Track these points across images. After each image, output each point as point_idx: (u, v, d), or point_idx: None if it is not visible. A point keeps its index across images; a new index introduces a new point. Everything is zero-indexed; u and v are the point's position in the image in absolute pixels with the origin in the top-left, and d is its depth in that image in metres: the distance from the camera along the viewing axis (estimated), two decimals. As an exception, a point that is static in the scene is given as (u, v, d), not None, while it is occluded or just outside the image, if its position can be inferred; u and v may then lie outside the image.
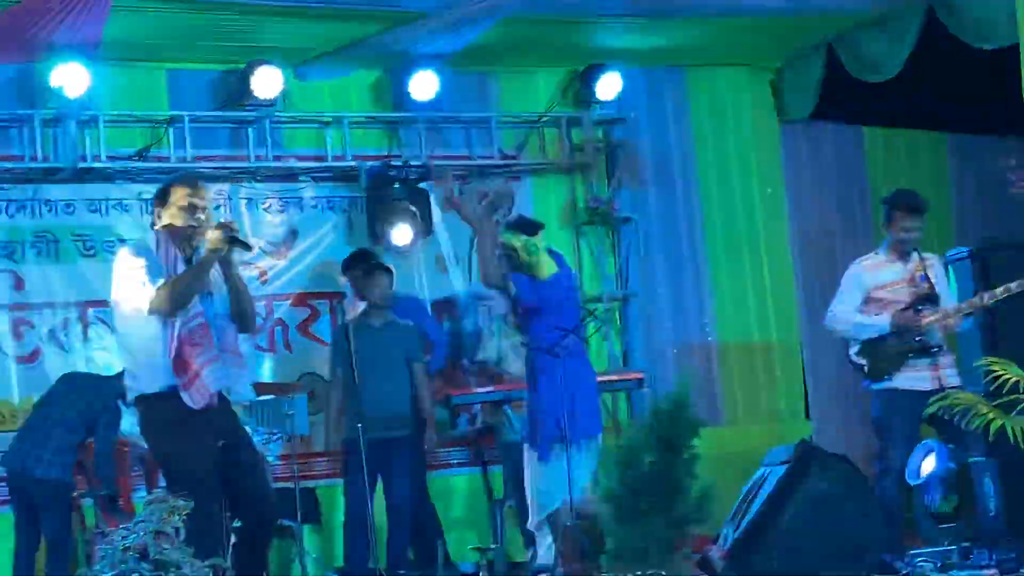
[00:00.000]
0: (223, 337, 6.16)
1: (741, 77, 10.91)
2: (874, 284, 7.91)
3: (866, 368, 7.88)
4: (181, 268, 6.12)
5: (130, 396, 6.25)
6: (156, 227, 6.27)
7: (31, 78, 9.04)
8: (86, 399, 8.21)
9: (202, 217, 6.20)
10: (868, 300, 7.90)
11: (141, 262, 6.11)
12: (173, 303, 5.98)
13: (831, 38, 10.16)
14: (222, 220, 6.40)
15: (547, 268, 7.60)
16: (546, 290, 7.59)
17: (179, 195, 6.22)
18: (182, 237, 6.18)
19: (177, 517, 5.11)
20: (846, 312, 7.93)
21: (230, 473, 6.06)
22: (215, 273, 6.20)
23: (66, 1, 8.06)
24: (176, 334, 5.99)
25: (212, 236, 6.09)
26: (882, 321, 7.80)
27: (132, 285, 6.06)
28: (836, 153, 11.14)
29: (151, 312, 5.98)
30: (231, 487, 6.07)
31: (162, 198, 6.27)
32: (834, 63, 10.19)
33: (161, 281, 6.02)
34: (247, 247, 6.43)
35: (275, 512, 6.51)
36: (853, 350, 7.94)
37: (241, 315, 6.25)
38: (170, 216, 6.19)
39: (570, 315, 7.70)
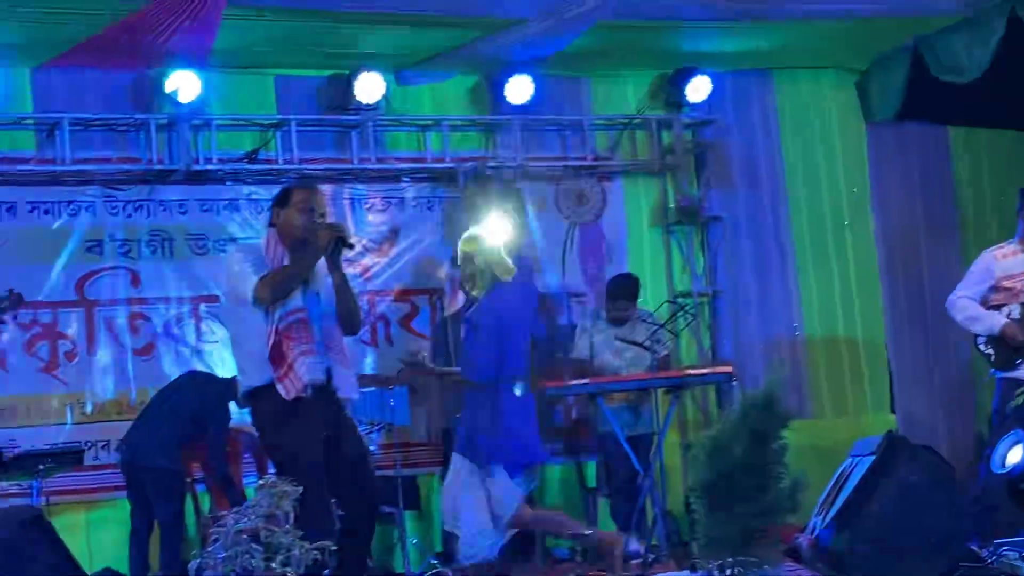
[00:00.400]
0: (328, 336, 6.13)
1: (827, 79, 10.82)
2: (1003, 273, 7.86)
3: (992, 357, 7.83)
4: None
5: (241, 390, 6.25)
6: (272, 225, 6.25)
7: (146, 85, 9.18)
8: (201, 398, 8.33)
9: (319, 221, 6.17)
10: (996, 288, 7.86)
11: (248, 258, 6.13)
12: (273, 292, 5.96)
13: (916, 40, 10.02)
14: (332, 222, 6.37)
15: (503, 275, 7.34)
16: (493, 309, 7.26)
17: (299, 197, 6.20)
18: (295, 239, 6.15)
19: (287, 502, 5.13)
20: (967, 301, 7.88)
21: (335, 463, 6.05)
22: (322, 273, 6.21)
23: (179, 11, 8.16)
24: (275, 327, 5.99)
25: (320, 234, 6.08)
26: (994, 323, 7.73)
27: (238, 280, 6.06)
28: (921, 153, 10.97)
29: (253, 302, 5.97)
30: (336, 476, 6.05)
31: (282, 200, 6.25)
32: (919, 65, 10.04)
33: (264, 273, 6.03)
34: (350, 246, 6.36)
35: (377, 502, 6.50)
36: (981, 339, 7.89)
37: (345, 315, 6.20)
38: (288, 217, 6.17)
39: (515, 338, 7.32)
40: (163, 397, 8.45)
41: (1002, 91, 9.75)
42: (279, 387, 5.98)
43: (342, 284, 6.21)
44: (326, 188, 9.28)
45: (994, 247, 8.05)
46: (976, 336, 7.94)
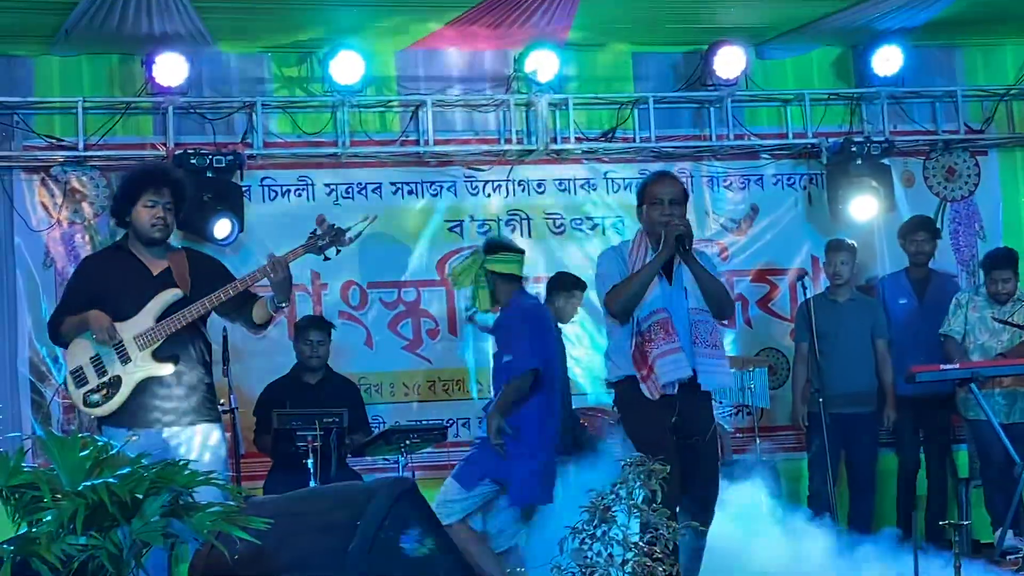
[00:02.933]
0: (698, 329, 6.26)
1: None
2: None
3: None
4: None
5: (610, 377, 6.53)
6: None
7: (506, 64, 9.53)
8: None
9: (668, 212, 6.26)
10: None
11: (612, 260, 6.40)
12: (619, 307, 6.23)
13: None
14: (675, 219, 6.29)
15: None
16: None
17: (649, 191, 6.37)
18: (654, 233, 6.32)
19: (654, 480, 5.18)
20: None
21: (683, 452, 6.13)
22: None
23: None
24: (637, 329, 6.22)
25: (665, 235, 6.21)
26: None
27: (600, 285, 6.40)
28: None
29: (605, 313, 6.35)
30: (683, 465, 6.10)
31: (640, 195, 6.43)
32: None
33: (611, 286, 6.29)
34: (687, 240, 6.25)
35: (715, 492, 6.42)
36: None
37: (711, 303, 6.30)
38: (646, 213, 6.35)
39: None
40: None
41: None
42: (643, 387, 6.21)
43: (699, 273, 6.30)
44: (683, 166, 9.52)
45: None
46: None
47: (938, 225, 9.68)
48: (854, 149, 9.58)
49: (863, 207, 9.44)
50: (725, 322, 6.66)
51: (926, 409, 8.95)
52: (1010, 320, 8.58)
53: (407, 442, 8.18)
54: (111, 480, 4.34)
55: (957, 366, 8.44)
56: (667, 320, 6.21)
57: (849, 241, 9.09)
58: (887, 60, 9.67)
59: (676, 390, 6.21)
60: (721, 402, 8.93)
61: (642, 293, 6.22)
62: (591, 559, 4.92)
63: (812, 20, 9.33)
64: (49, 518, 4.34)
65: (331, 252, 6.42)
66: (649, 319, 6.22)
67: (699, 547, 6.23)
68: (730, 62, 9.48)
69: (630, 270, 6.31)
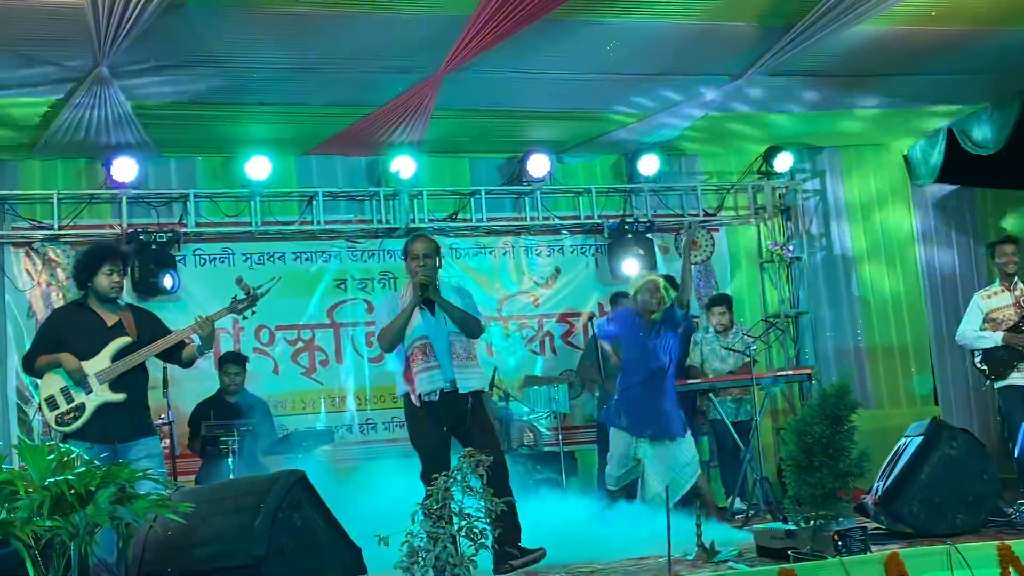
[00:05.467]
0: (455, 348, 6.07)
1: (882, 152, 10.65)
2: (989, 308, 7.59)
3: (987, 372, 7.55)
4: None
5: (398, 393, 6.27)
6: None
7: (377, 166, 9.44)
8: None
9: (421, 264, 6.09)
10: (986, 319, 7.59)
11: (380, 309, 6.36)
12: (384, 345, 6.11)
13: (951, 123, 9.83)
14: (422, 270, 6.11)
15: None
16: None
17: (409, 249, 6.18)
18: (413, 280, 6.14)
19: (481, 467, 5.11)
20: (970, 331, 7.62)
21: (463, 444, 5.86)
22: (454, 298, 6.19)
23: (401, 113, 8.40)
24: (405, 355, 6.08)
25: (413, 284, 6.11)
26: (996, 337, 7.49)
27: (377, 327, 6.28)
28: (954, 207, 10.77)
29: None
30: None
31: (404, 252, 6.25)
32: (953, 141, 9.85)
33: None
34: (427, 290, 6.06)
35: (503, 473, 5.85)
36: (977, 359, 7.62)
37: (461, 328, 6.12)
38: (408, 267, 6.19)
39: None
40: None
41: (1019, 159, 9.50)
42: (412, 397, 6.04)
43: (444, 306, 6.09)
44: (507, 240, 9.56)
45: (982, 290, 7.80)
46: (973, 358, 7.68)
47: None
48: (626, 227, 9.72)
49: (633, 267, 9.55)
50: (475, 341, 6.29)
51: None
52: (732, 347, 8.78)
53: (304, 444, 8.10)
54: (70, 477, 4.20)
55: (699, 380, 8.59)
56: (426, 344, 6.02)
57: (624, 293, 9.18)
58: (649, 164, 9.83)
59: (438, 397, 5.98)
60: (534, 410, 8.96)
61: (401, 331, 6.02)
62: (436, 527, 4.86)
63: (596, 136, 9.47)
64: (23, 506, 4.18)
65: (248, 313, 6.29)
66: (412, 345, 6.03)
67: None
68: (539, 165, 9.55)
69: (400, 310, 6.10)
